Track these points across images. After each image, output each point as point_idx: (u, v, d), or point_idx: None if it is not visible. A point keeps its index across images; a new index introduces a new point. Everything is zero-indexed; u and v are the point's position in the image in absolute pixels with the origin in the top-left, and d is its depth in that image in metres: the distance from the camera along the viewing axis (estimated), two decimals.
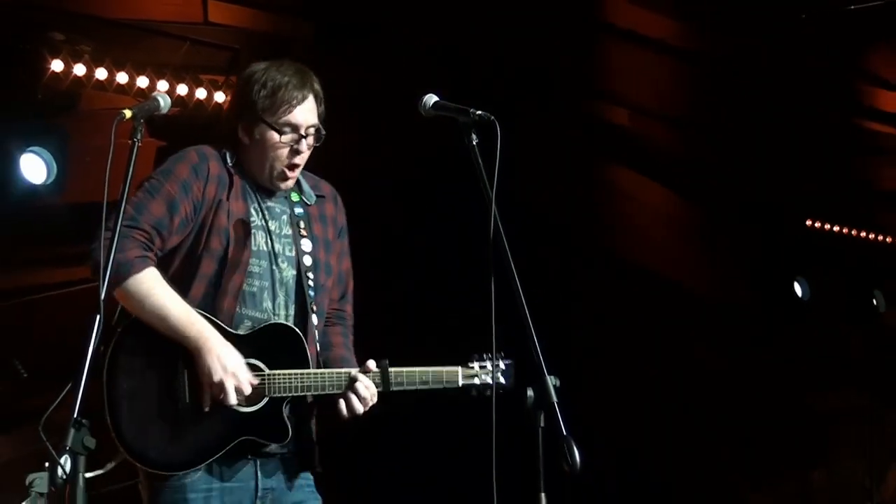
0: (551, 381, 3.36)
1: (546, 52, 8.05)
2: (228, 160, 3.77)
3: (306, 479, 3.81)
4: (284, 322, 3.72)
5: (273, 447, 3.68)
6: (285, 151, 3.74)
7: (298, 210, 3.84)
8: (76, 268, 6.24)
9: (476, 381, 3.81)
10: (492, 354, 3.76)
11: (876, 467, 8.85)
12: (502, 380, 3.82)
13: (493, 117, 3.51)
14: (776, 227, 9.24)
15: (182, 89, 6.67)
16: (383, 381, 3.69)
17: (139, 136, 3.47)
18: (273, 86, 3.73)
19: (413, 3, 6.41)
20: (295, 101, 3.73)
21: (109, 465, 3.55)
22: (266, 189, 3.81)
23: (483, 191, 3.50)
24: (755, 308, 9.02)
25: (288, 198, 3.85)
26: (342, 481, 3.97)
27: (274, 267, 3.74)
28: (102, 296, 3.33)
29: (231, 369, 3.56)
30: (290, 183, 3.80)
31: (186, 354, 3.58)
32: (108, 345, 3.59)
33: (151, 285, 3.58)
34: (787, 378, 8.95)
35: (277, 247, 3.77)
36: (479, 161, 3.52)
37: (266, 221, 3.77)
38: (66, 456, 3.18)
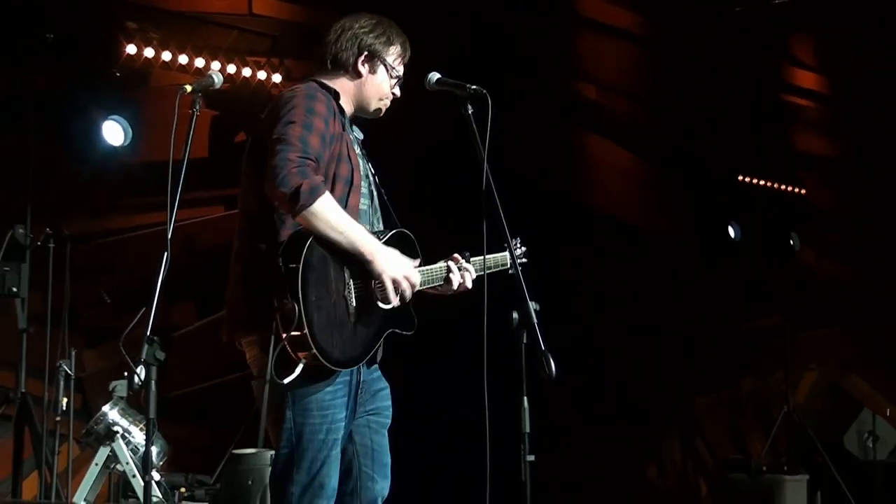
0: (532, 306, 3.36)
1: (530, 38, 8.02)
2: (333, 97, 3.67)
3: (378, 370, 3.71)
4: (401, 229, 3.65)
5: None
6: (388, 92, 3.68)
7: (359, 142, 3.75)
8: (149, 214, 6.26)
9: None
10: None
11: (791, 376, 8.88)
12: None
13: (485, 91, 3.48)
14: (714, 181, 9.23)
15: (231, 69, 6.64)
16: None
17: (197, 107, 3.45)
18: (396, 40, 3.68)
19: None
20: (406, 56, 3.70)
21: (299, 368, 3.44)
22: (352, 120, 3.72)
23: (476, 152, 3.49)
24: (697, 246, 9.03)
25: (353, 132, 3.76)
26: None
27: (372, 187, 3.66)
28: (169, 234, 3.33)
29: (404, 272, 3.48)
30: (379, 115, 3.74)
31: (352, 264, 3.44)
32: (296, 260, 3.38)
33: (334, 205, 3.41)
34: (722, 304, 8.98)
35: (364, 170, 3.66)
36: (474, 127, 3.49)
37: (359, 148, 3.69)
38: (142, 366, 3.20)
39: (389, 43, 3.67)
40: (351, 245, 3.43)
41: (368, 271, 3.44)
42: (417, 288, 3.54)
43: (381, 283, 3.45)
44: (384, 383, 3.69)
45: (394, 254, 3.49)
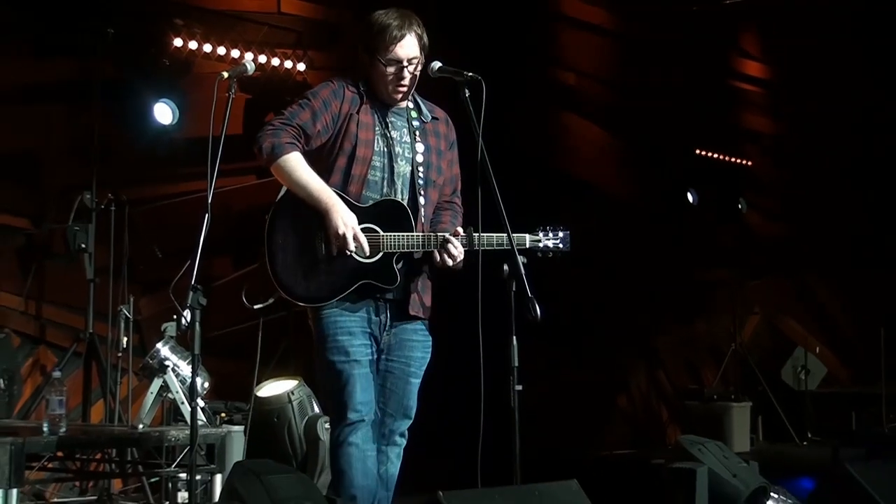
0: (521, 259, 3.34)
1: (518, 32, 7.95)
2: (361, 86, 3.57)
3: (422, 324, 3.61)
4: (396, 199, 3.53)
5: (391, 294, 3.49)
6: (391, 78, 3.52)
7: (416, 124, 3.62)
8: (193, 182, 6.21)
9: (539, 244, 3.63)
10: (545, 228, 3.65)
11: (738, 319, 8.91)
12: (561, 245, 3.67)
13: (480, 77, 3.43)
14: (674, 154, 9.18)
15: (262, 59, 6.55)
16: (469, 242, 3.46)
17: (233, 91, 3.44)
18: (379, 29, 3.51)
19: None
20: (396, 41, 3.49)
21: (270, 300, 3.46)
22: (389, 107, 3.60)
23: (473, 129, 3.43)
24: (660, 209, 9.00)
25: (408, 115, 3.62)
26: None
27: (393, 163, 3.53)
28: (209, 199, 3.29)
29: (349, 224, 3.38)
30: (401, 97, 3.57)
31: (321, 218, 3.41)
32: (269, 212, 3.46)
33: (296, 163, 3.42)
34: (680, 257, 8.95)
35: (397, 149, 3.55)
36: (470, 108, 3.44)
37: (388, 130, 3.56)
38: (188, 310, 3.18)
39: (381, 38, 3.51)
40: (309, 199, 3.42)
41: (325, 224, 3.41)
42: (391, 251, 3.43)
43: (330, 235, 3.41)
44: (422, 337, 3.60)
45: (346, 212, 3.40)
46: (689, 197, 9.14)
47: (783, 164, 10.30)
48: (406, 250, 3.48)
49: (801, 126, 10.12)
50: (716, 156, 9.60)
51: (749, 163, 10.02)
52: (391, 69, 3.52)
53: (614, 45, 9.01)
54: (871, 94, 9.88)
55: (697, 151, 9.43)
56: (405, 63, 3.51)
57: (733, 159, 9.83)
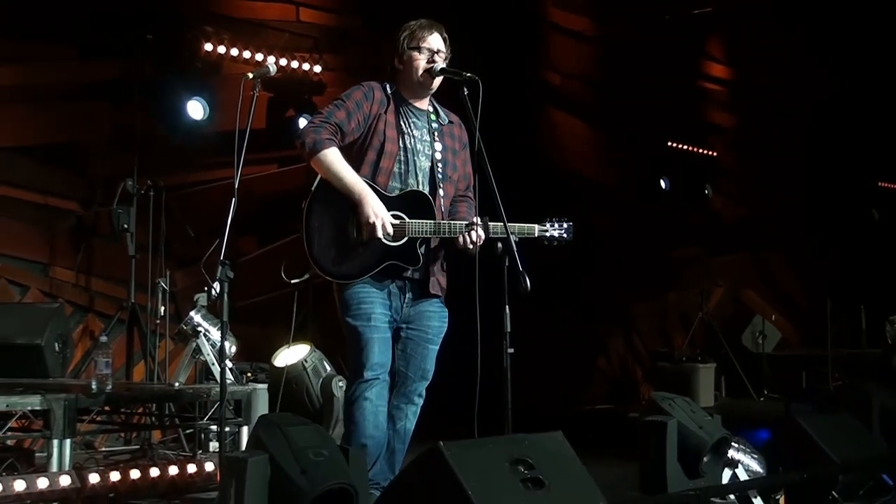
0: (513, 238, 3.33)
1: (510, 38, 7.91)
2: (388, 89, 3.58)
3: (439, 300, 3.61)
4: (420, 190, 3.53)
5: (411, 272, 3.49)
6: (423, 63, 3.54)
7: (435, 125, 3.62)
8: (222, 170, 6.18)
9: (546, 233, 3.62)
10: (551, 219, 3.64)
11: (705, 291, 8.90)
12: (566, 235, 3.65)
13: (477, 77, 3.40)
14: (650, 147, 9.15)
15: (283, 62, 6.52)
16: (485, 230, 3.44)
17: (257, 90, 3.43)
18: (412, 28, 3.58)
19: (425, 6, 6.29)
20: (426, 33, 3.56)
21: (306, 275, 3.48)
22: (414, 109, 3.61)
23: (471, 124, 3.41)
24: (637, 194, 8.98)
25: (428, 117, 3.63)
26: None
27: (415, 158, 3.53)
28: (236, 185, 3.28)
29: (380, 214, 3.38)
30: (433, 84, 3.58)
31: (354, 206, 3.41)
32: (306, 199, 3.46)
33: (334, 157, 3.42)
34: (654, 237, 8.94)
35: (419, 146, 3.55)
36: (469, 105, 3.41)
37: (411, 129, 3.56)
38: (217, 283, 3.18)
39: (416, 34, 3.57)
40: (344, 189, 3.42)
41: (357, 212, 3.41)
42: (415, 236, 3.44)
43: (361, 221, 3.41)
44: (438, 309, 3.60)
45: (377, 202, 3.40)
46: (662, 183, 9.12)
47: (744, 155, 10.28)
48: (429, 235, 3.47)
49: (759, 120, 10.10)
50: (685, 147, 9.57)
51: (714, 153, 10.00)
52: (423, 54, 3.54)
53: (595, 49, 8.97)
54: (819, 93, 9.87)
55: (669, 143, 9.40)
56: (436, 51, 3.55)
57: (700, 150, 9.80)
